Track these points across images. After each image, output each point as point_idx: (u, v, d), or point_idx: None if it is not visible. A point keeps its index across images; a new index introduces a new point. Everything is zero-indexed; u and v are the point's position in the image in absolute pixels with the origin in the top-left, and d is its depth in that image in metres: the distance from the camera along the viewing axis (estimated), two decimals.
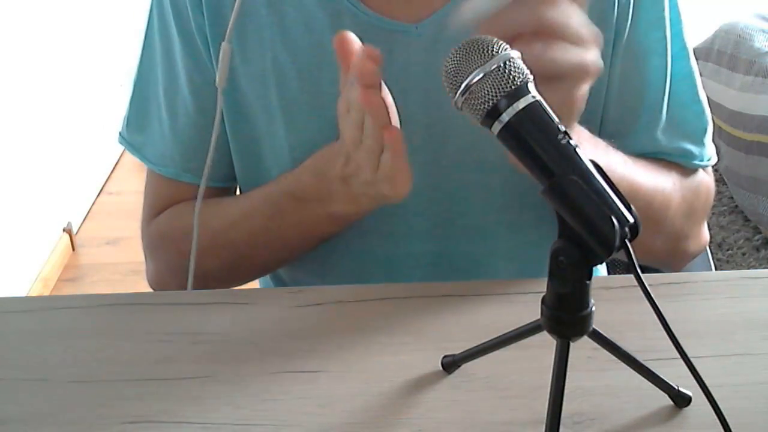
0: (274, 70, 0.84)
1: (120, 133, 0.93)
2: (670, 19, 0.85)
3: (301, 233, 0.86)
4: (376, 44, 0.81)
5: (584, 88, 0.66)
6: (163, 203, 0.93)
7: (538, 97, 0.56)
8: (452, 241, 0.88)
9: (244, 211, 0.87)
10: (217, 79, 0.82)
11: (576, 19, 0.64)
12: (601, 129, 0.87)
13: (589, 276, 0.55)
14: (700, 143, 0.89)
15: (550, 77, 0.61)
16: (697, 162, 0.89)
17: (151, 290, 0.96)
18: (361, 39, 0.81)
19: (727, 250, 2.52)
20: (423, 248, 0.89)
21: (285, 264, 0.95)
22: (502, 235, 0.89)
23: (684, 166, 0.89)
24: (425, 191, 0.84)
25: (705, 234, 0.94)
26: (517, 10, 0.63)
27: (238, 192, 0.95)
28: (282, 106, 0.84)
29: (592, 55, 0.65)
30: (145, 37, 0.89)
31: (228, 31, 0.79)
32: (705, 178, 0.92)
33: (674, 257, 0.92)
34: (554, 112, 0.57)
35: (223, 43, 0.80)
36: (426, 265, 0.89)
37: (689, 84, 0.88)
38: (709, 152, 0.90)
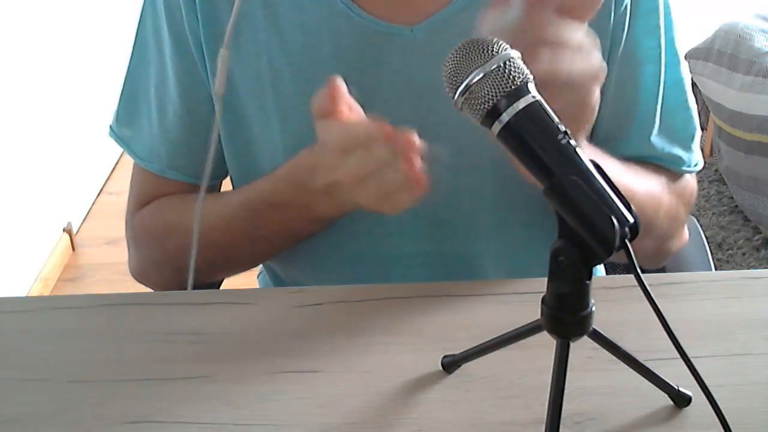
0: (269, 72, 0.84)
1: (110, 126, 0.94)
2: (665, 26, 0.86)
3: (283, 234, 0.87)
4: (371, 46, 0.81)
5: (596, 92, 0.68)
6: (147, 197, 0.94)
7: (538, 97, 0.56)
8: (445, 242, 0.89)
9: (222, 215, 0.87)
10: (216, 86, 0.81)
11: (578, 28, 0.65)
12: (593, 132, 0.88)
13: (589, 276, 0.55)
14: (689, 149, 0.91)
15: (561, 86, 0.63)
16: (685, 167, 0.91)
17: (149, 289, 0.96)
18: (356, 41, 0.81)
19: (727, 250, 2.52)
20: (416, 249, 0.89)
21: (270, 259, 0.96)
22: (492, 236, 0.89)
23: (672, 170, 0.91)
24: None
25: (686, 233, 0.96)
26: (526, 27, 0.64)
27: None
28: (277, 107, 0.84)
29: (596, 59, 0.67)
30: (137, 32, 0.90)
31: (226, 37, 0.79)
32: (690, 182, 0.94)
33: (658, 256, 0.94)
34: (570, 118, 0.58)
35: (221, 50, 0.80)
36: (419, 265, 0.89)
37: (680, 91, 0.89)
38: (696, 158, 0.92)
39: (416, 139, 0.68)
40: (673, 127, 0.89)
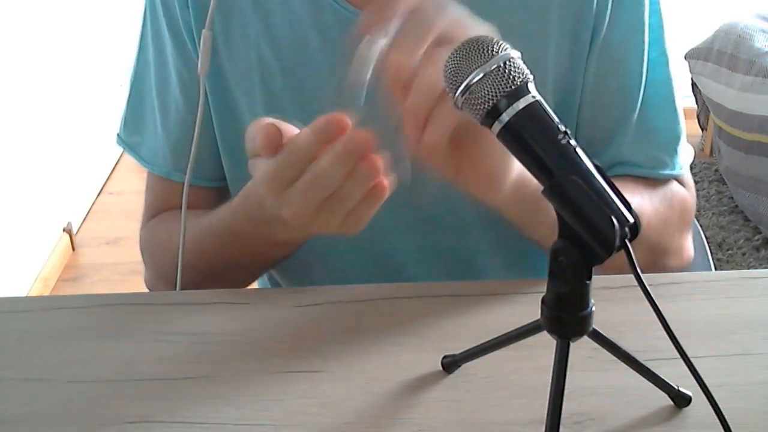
0: (258, 67, 0.84)
1: (118, 134, 0.94)
2: (650, 25, 0.84)
3: (252, 259, 0.86)
4: (357, 41, 0.81)
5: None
6: (157, 203, 0.94)
7: (538, 97, 0.56)
8: (437, 237, 0.89)
9: (194, 238, 0.85)
10: (198, 68, 0.80)
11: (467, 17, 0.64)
12: (577, 133, 0.87)
13: (589, 276, 0.55)
14: (672, 151, 0.88)
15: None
16: (668, 171, 0.88)
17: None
18: (342, 35, 0.81)
19: (727, 250, 2.53)
20: (409, 244, 0.89)
21: (252, 279, 0.95)
22: (484, 229, 0.89)
23: (654, 177, 0.88)
24: (408, 187, 0.83)
25: (688, 250, 0.92)
26: (414, 26, 0.63)
27: None
28: (266, 102, 0.85)
29: None
30: (141, 36, 0.90)
31: (208, 18, 0.78)
32: (679, 191, 0.90)
33: (653, 272, 0.90)
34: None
35: (204, 31, 0.79)
36: (414, 261, 0.90)
37: (666, 91, 0.87)
38: (680, 161, 0.89)
39: (367, 138, 0.63)
40: (657, 127, 0.87)
